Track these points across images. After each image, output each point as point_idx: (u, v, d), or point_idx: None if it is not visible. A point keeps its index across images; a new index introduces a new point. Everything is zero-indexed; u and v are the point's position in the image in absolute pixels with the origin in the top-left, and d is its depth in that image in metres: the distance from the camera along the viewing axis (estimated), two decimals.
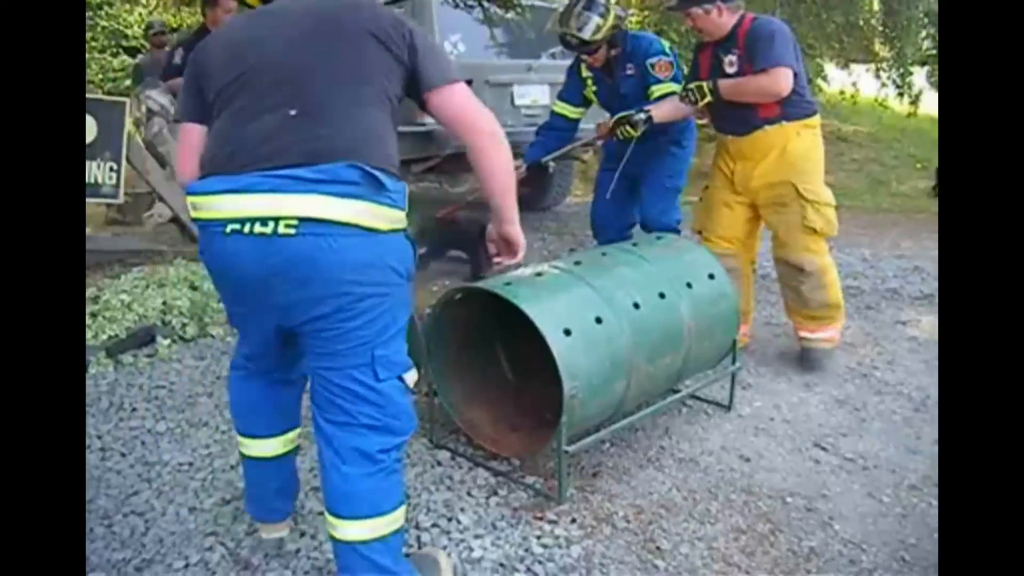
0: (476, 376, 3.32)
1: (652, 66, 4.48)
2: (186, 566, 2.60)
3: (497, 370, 3.46)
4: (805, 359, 4.23)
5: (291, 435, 2.57)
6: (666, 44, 4.63)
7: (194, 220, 2.16)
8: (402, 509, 2.27)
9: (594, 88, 4.90)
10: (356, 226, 2.01)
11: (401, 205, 2.12)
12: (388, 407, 2.18)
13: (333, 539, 2.25)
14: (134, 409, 3.74)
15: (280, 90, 2.09)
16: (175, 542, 2.72)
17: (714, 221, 4.30)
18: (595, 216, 5.21)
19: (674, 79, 4.48)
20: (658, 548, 2.70)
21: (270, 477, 2.58)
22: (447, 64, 2.26)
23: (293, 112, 2.06)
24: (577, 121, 5.08)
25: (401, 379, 2.21)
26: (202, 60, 2.26)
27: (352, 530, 2.19)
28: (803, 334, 4.23)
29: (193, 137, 2.30)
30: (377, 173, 2.02)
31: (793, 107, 3.94)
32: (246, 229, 2.00)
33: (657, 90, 4.47)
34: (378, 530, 2.19)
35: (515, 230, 2.37)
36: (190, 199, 2.11)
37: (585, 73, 4.91)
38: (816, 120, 4.08)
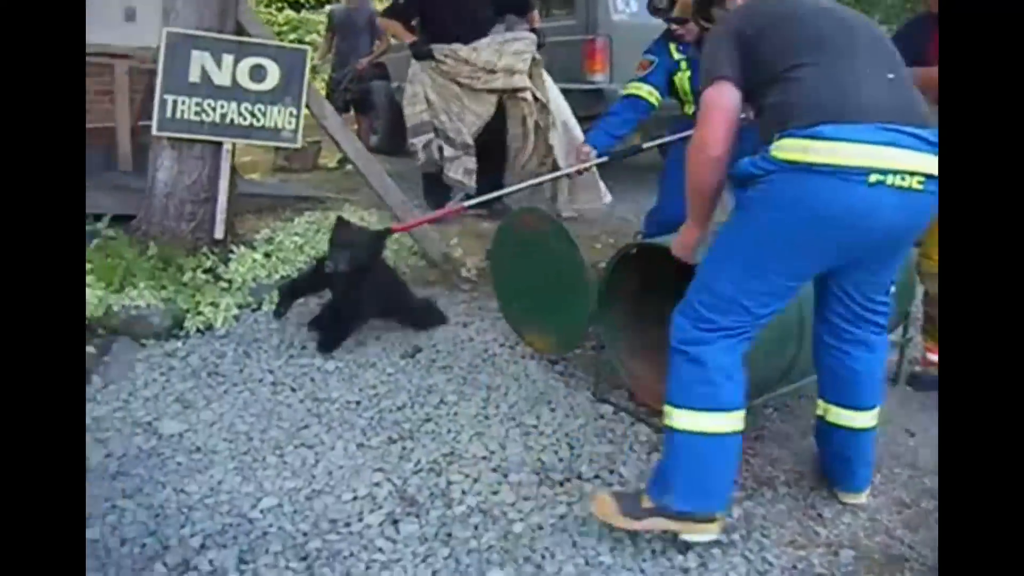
0: (647, 332, 3.31)
1: None
2: (354, 498, 2.69)
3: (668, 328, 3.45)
4: None
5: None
6: None
7: (812, 164, 2.13)
8: None
9: (687, 72, 4.06)
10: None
11: None
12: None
13: (851, 430, 2.65)
14: (304, 347, 3.90)
15: (869, 54, 2.28)
16: (344, 475, 2.83)
17: (930, 232, 3.33)
18: (664, 218, 4.12)
19: None
20: (819, 515, 2.66)
21: (735, 455, 2.44)
22: None
23: (891, 76, 2.25)
24: (656, 108, 4.19)
25: None
26: (754, 25, 2.36)
27: (868, 418, 2.64)
28: None
29: (736, 100, 2.32)
30: None
31: None
32: (888, 181, 2.13)
33: None
34: (878, 417, 2.68)
35: None
36: (825, 143, 2.12)
37: (677, 55, 4.07)
38: None
